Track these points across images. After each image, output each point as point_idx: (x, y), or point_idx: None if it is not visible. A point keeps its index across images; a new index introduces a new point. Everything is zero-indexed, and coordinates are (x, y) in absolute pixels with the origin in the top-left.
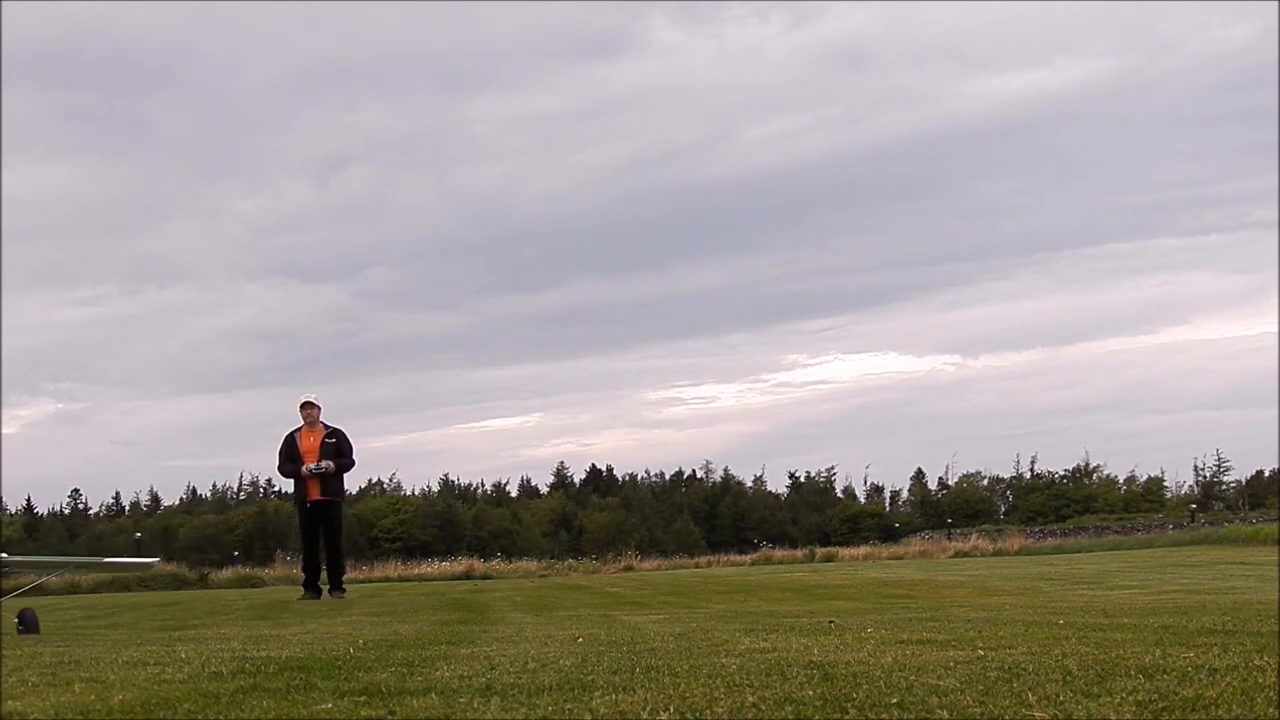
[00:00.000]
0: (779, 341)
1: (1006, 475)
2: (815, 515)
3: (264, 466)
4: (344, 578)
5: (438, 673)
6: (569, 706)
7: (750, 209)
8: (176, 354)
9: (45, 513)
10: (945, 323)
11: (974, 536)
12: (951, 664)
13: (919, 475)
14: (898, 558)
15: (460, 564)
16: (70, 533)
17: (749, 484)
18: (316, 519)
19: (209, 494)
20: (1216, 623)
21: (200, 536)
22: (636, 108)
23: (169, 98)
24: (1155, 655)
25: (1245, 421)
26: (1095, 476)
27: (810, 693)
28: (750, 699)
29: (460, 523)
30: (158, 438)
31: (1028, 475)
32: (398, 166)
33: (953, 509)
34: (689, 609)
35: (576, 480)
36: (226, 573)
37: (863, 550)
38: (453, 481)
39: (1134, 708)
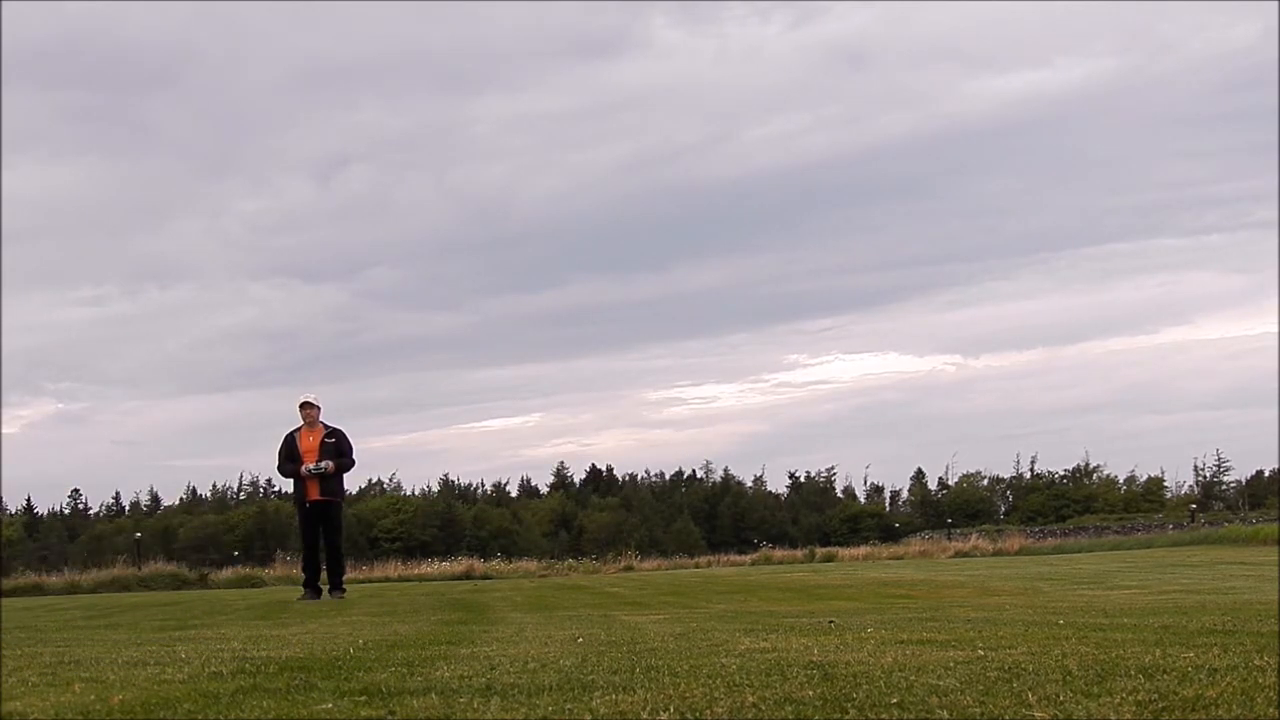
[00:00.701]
0: (779, 341)
1: (1006, 475)
2: (815, 515)
3: (264, 466)
4: (344, 578)
5: (438, 673)
6: (569, 706)
7: (751, 209)
8: (177, 354)
9: (45, 513)
10: (946, 323)
11: (974, 536)
12: (951, 664)
13: (919, 475)
14: (898, 558)
15: (460, 564)
16: (70, 533)
17: (749, 484)
18: (316, 519)
19: (209, 494)
20: (1216, 623)
21: (200, 536)
22: (637, 108)
23: (170, 98)
24: (1155, 655)
25: (1245, 421)
26: (1095, 476)
27: (810, 693)
28: (750, 699)
29: (460, 523)
30: (158, 438)
31: (1028, 475)
32: (398, 166)
33: (953, 509)
34: (689, 609)
35: (576, 480)
36: (226, 573)
37: (863, 550)
38: (453, 481)
39: (1134, 708)
